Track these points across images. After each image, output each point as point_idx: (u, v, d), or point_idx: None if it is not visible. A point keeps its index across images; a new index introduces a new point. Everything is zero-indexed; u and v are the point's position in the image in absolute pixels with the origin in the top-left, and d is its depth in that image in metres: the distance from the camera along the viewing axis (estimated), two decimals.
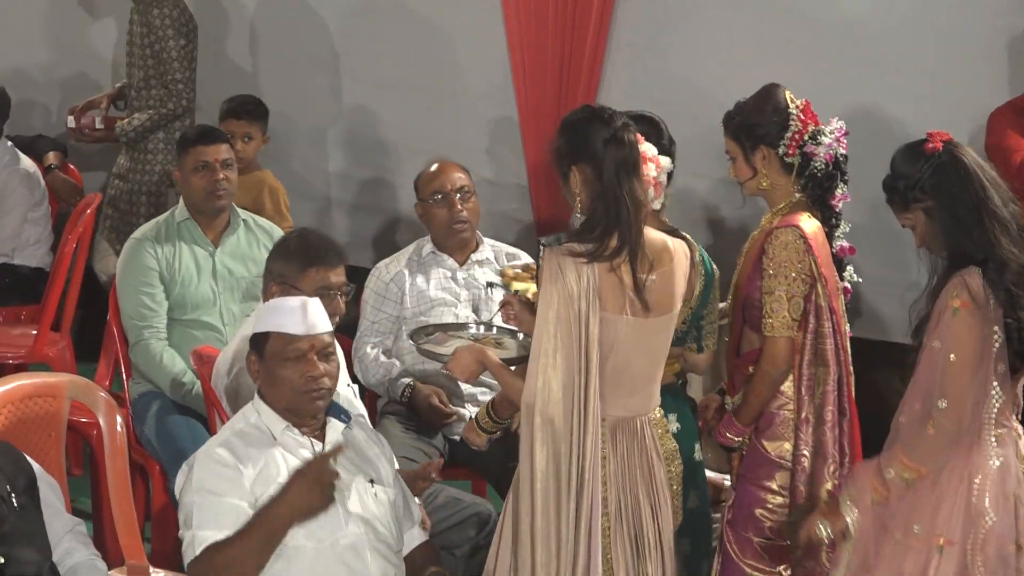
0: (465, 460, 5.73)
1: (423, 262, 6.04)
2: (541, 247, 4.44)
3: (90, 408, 5.10)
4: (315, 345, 4.42)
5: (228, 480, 4.27)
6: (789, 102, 4.89)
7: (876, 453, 4.52)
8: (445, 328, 4.80)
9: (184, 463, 4.41)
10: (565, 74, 7.23)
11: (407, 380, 5.85)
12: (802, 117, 4.86)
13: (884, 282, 6.50)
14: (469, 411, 5.70)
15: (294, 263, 5.06)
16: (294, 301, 4.46)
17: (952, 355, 4.27)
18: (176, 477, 4.49)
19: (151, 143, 7.47)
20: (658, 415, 4.61)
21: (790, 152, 4.86)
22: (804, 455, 4.81)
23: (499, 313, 4.68)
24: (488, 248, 6.14)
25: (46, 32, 8.80)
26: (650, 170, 4.63)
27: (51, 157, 7.87)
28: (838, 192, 4.93)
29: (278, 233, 6.18)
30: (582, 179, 4.40)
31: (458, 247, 6.06)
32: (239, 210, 6.18)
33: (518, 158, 7.43)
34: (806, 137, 4.86)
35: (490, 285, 5.98)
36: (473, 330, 4.78)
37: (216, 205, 6.04)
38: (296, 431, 4.42)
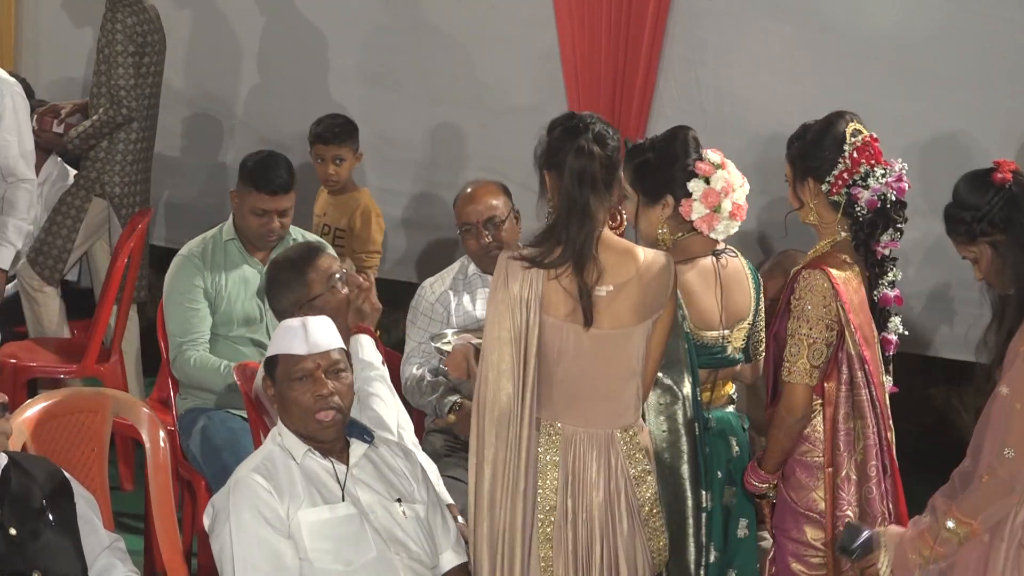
0: None
1: (468, 281, 5.99)
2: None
3: (133, 424, 5.09)
4: (321, 364, 4.41)
5: (267, 515, 4.28)
6: (849, 136, 4.66)
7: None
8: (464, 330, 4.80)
9: (225, 485, 4.41)
10: (618, 89, 7.19)
11: (454, 398, 5.81)
12: (854, 156, 4.63)
13: (931, 296, 6.42)
14: None
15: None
16: (295, 322, 4.47)
17: (1018, 404, 4.08)
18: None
19: (94, 152, 7.32)
20: (631, 434, 4.48)
21: (833, 191, 4.66)
22: (848, 515, 4.63)
23: None
24: None
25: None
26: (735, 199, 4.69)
27: None
28: (884, 239, 4.71)
29: (329, 250, 6.15)
30: (550, 184, 4.40)
31: None
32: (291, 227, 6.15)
33: None
34: (855, 177, 4.65)
35: None
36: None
37: (265, 244, 6.03)
38: (317, 454, 4.42)
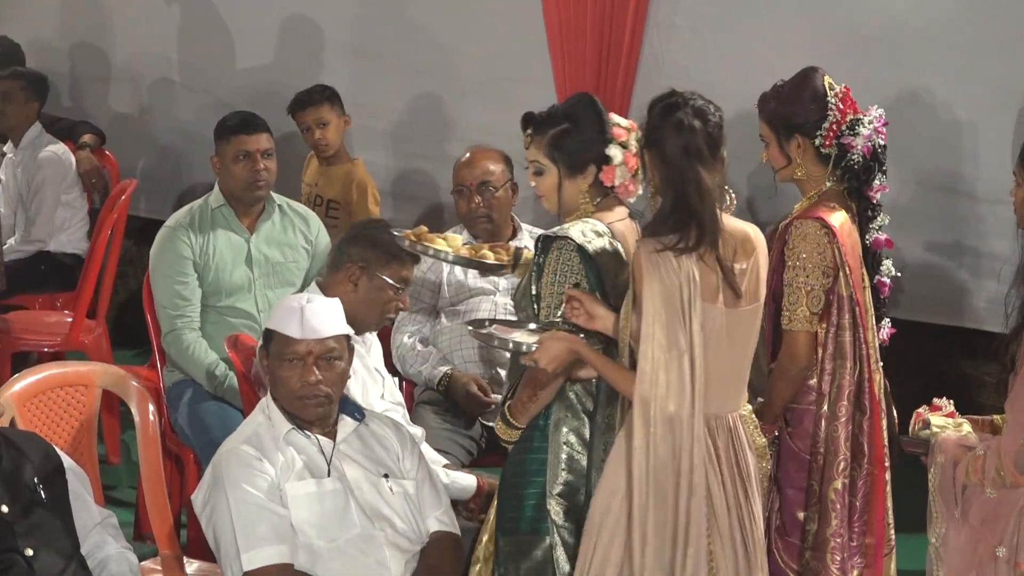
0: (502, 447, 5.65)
1: None
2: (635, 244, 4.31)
3: (122, 397, 5.05)
4: (313, 351, 4.40)
5: (262, 483, 4.29)
6: (827, 89, 4.74)
7: None
8: (504, 323, 4.66)
9: (211, 462, 4.41)
10: (604, 57, 7.15)
11: (445, 368, 5.79)
12: (840, 106, 4.72)
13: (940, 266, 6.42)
14: None
15: (381, 254, 5.15)
16: (295, 302, 4.46)
17: None
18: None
19: None
20: (747, 410, 4.46)
21: (827, 143, 4.73)
22: (820, 452, 4.68)
23: (563, 307, 4.53)
24: (527, 235, 6.04)
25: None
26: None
27: (86, 138, 7.85)
28: (876, 183, 4.80)
29: (313, 218, 6.16)
30: (652, 165, 4.29)
31: (487, 237, 5.95)
32: (275, 195, 6.11)
33: None
34: (843, 128, 4.72)
35: None
36: (533, 326, 4.66)
37: (255, 195, 5.98)
38: (302, 431, 4.42)
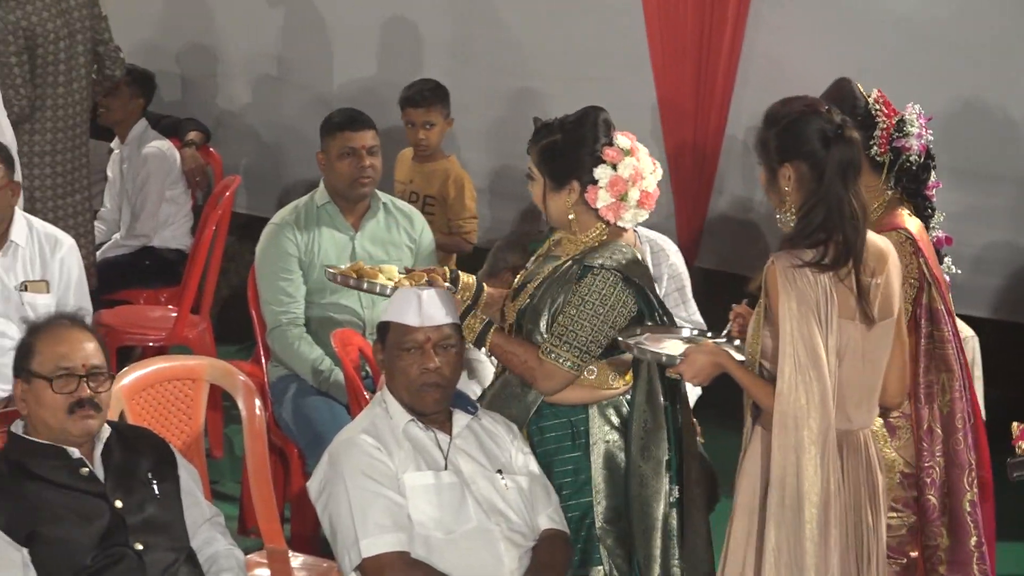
0: None
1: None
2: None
3: (229, 391, 5.12)
4: (431, 337, 4.42)
5: (381, 472, 4.30)
6: (866, 95, 4.67)
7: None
8: (654, 330, 4.64)
9: (326, 451, 4.41)
10: (704, 55, 7.15)
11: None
12: (885, 111, 4.64)
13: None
14: None
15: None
16: (410, 292, 4.47)
17: None
18: (315, 460, 4.51)
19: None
20: (877, 425, 4.41)
21: (882, 151, 4.64)
22: (933, 467, 4.62)
23: (730, 325, 4.49)
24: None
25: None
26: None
27: (192, 135, 7.95)
28: (930, 180, 4.73)
29: (418, 217, 6.20)
30: (796, 178, 4.17)
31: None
32: (379, 193, 6.16)
33: (656, 142, 7.34)
34: (893, 131, 4.65)
35: None
36: (686, 333, 4.56)
37: (360, 192, 6.03)
38: (419, 424, 4.43)
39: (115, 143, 7.93)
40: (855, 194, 4.12)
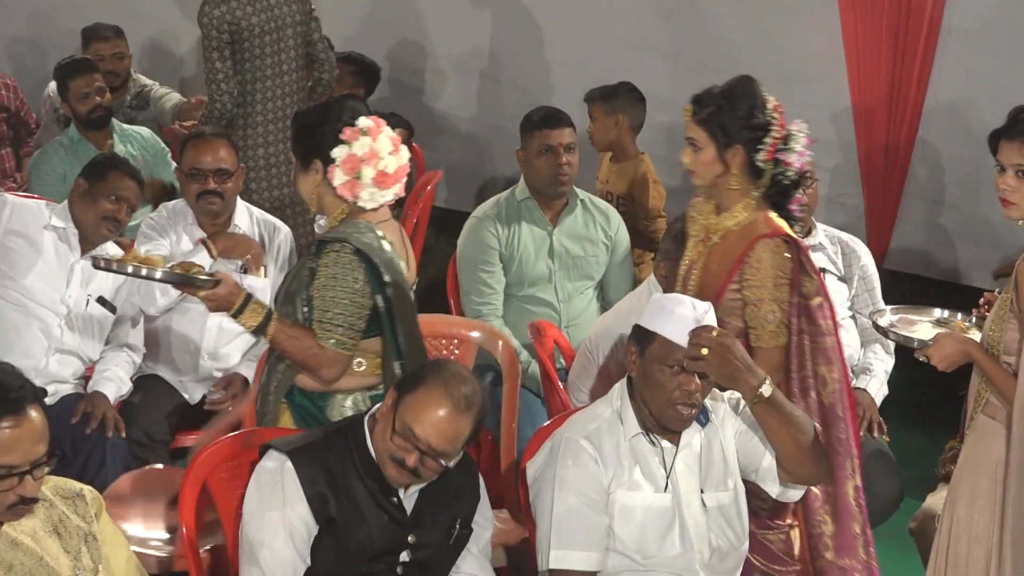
0: None
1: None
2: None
3: (493, 354, 5.42)
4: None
5: (591, 488, 4.22)
6: (768, 101, 4.56)
7: None
8: (906, 311, 4.58)
9: (549, 438, 4.35)
10: (899, 59, 7.18)
11: None
12: (781, 121, 4.55)
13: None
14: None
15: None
16: (687, 311, 4.20)
17: None
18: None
19: None
20: None
21: (766, 158, 4.55)
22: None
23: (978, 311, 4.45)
24: (821, 233, 6.05)
25: None
26: None
27: (396, 131, 8.11)
28: (797, 195, 4.63)
29: (614, 215, 6.35)
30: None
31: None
32: (578, 191, 6.32)
33: (849, 143, 7.40)
34: (779, 144, 4.54)
35: None
36: (938, 314, 4.56)
37: (558, 190, 6.21)
38: (649, 437, 4.26)
39: None
40: None
